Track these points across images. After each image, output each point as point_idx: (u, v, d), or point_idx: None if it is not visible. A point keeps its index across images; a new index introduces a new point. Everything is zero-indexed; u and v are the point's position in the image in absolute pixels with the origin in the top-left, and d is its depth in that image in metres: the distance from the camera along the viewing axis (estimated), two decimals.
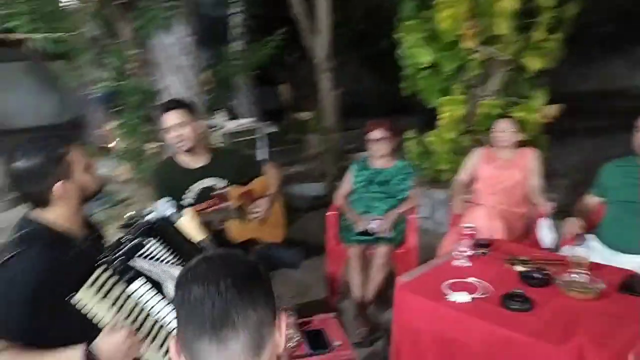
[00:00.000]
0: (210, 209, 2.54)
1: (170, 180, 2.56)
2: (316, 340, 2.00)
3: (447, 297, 1.88)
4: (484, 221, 2.80)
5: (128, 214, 1.99)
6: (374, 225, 2.97)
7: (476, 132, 4.03)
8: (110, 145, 3.87)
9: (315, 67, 5.22)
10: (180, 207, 2.46)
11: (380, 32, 4.45)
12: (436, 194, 4.24)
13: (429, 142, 4.26)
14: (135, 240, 1.52)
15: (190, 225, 1.64)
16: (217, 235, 2.50)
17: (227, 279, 0.85)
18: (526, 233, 2.99)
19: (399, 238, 3.03)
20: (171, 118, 2.45)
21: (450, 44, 3.93)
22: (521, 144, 3.14)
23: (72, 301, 1.32)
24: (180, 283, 0.89)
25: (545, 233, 2.71)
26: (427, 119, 4.45)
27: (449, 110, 4.03)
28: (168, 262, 1.57)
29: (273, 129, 5.73)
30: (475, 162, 3.21)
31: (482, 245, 2.27)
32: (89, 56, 3.47)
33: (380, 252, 2.86)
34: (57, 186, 1.45)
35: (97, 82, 3.50)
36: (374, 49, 8.10)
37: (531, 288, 1.89)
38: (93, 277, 1.39)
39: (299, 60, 6.94)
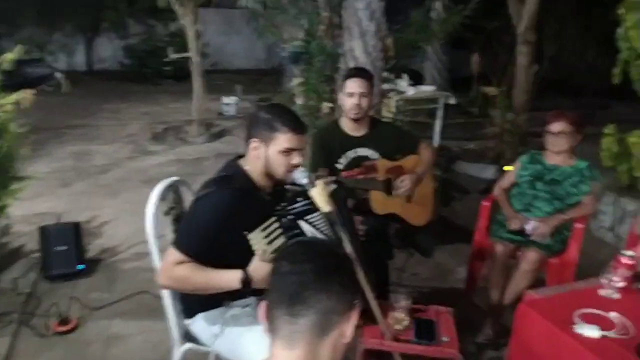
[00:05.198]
0: (357, 176, 2.64)
1: (330, 142, 2.71)
2: (425, 330, 1.98)
3: (573, 326, 1.68)
4: None
5: None
6: (530, 226, 2.71)
7: None
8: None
9: (515, 38, 4.77)
10: (332, 171, 2.64)
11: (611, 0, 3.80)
12: (627, 204, 3.64)
13: (632, 142, 3.62)
14: (307, 206, 1.73)
15: (318, 197, 1.74)
16: (360, 204, 2.61)
17: (311, 263, 0.97)
18: None
19: (557, 247, 2.72)
20: (355, 85, 2.58)
21: None
22: None
23: (248, 237, 1.59)
24: (277, 257, 1.04)
25: None
26: None
27: None
28: (325, 234, 1.74)
29: (453, 100, 5.47)
30: None
31: None
32: (287, 16, 3.76)
33: (530, 257, 2.61)
34: (253, 141, 1.72)
35: (290, 41, 3.79)
36: (598, 19, 6.95)
37: None
38: (266, 223, 1.64)
39: (498, 30, 6.36)
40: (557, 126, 2.77)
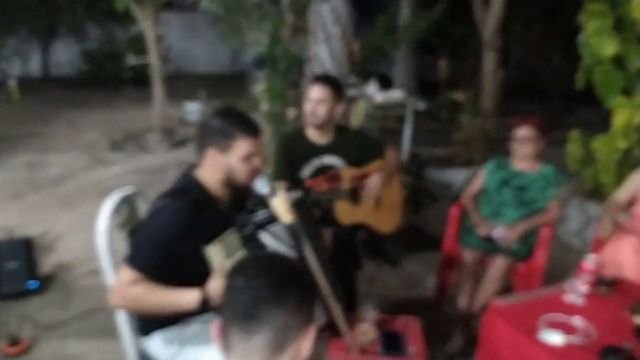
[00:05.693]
0: (322, 186, 2.57)
1: (294, 151, 2.63)
2: (392, 341, 1.93)
3: (538, 333, 1.68)
4: (630, 256, 2.35)
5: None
6: (497, 232, 2.69)
7: None
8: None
9: (482, 44, 4.82)
10: (296, 180, 2.56)
11: (575, 5, 3.87)
12: (592, 209, 3.69)
13: (596, 147, 3.67)
14: (269, 216, 1.64)
15: (280, 207, 1.66)
16: (325, 215, 2.54)
17: (266, 278, 0.93)
18: None
19: (525, 252, 2.70)
20: (316, 91, 2.51)
21: None
22: None
23: (204, 251, 1.52)
24: (230, 272, 0.99)
25: None
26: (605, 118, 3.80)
27: (626, 115, 3.41)
28: (288, 246, 1.65)
29: (423, 106, 5.47)
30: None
31: (606, 283, 1.94)
32: (250, 21, 3.67)
33: (498, 263, 2.60)
34: (210, 151, 1.63)
35: (253, 45, 3.70)
36: (563, 24, 7.07)
37: None
38: (224, 235, 1.57)
39: (465, 35, 6.42)
40: (522, 132, 2.76)
